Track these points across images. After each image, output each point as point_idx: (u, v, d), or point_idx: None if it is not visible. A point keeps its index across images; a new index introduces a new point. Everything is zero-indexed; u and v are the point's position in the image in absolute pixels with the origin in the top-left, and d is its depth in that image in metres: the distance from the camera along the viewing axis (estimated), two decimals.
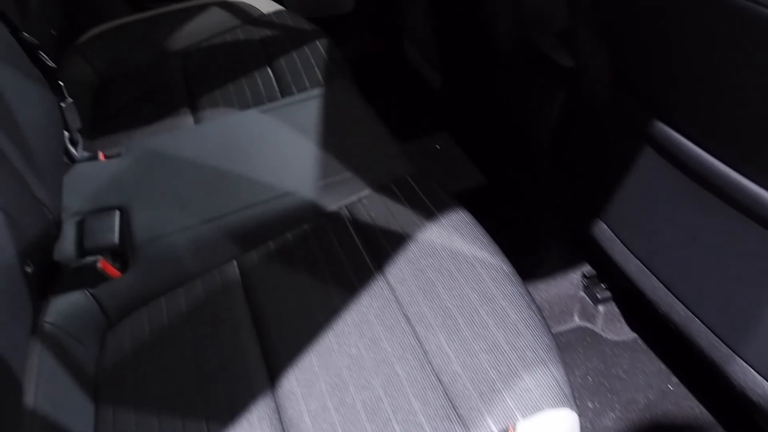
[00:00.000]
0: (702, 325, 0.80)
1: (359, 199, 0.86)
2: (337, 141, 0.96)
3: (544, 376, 0.61)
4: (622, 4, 0.76)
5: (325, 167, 0.91)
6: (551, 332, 0.67)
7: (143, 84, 1.25)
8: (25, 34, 0.94)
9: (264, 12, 1.38)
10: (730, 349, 0.77)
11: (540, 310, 0.69)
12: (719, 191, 0.73)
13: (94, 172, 0.98)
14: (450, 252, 0.75)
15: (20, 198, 0.73)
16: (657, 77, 0.76)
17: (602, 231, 0.97)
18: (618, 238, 0.94)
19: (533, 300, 0.70)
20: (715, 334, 0.79)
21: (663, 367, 1.04)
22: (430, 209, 0.82)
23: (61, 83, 0.99)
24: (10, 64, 0.85)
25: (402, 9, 1.51)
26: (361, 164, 0.91)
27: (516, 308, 0.68)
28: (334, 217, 0.85)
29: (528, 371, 0.61)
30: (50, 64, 0.98)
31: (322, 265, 0.79)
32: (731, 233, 0.73)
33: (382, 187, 0.87)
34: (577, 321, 1.14)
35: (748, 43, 0.58)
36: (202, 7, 1.39)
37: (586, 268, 1.17)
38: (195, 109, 1.14)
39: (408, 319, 0.69)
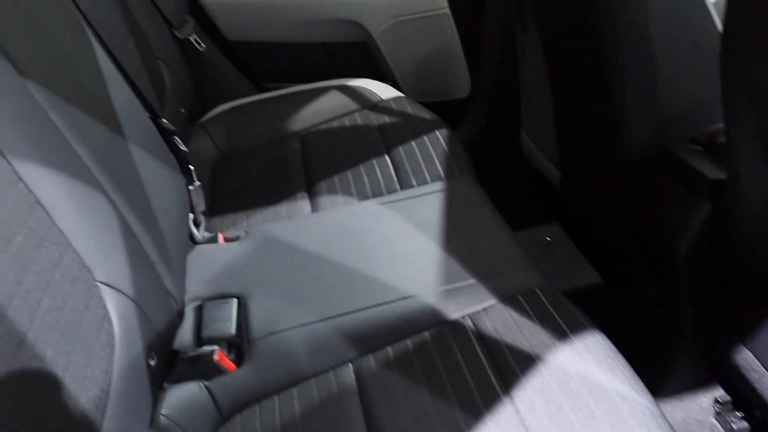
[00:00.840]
0: None
1: (484, 309, 0.82)
2: (459, 243, 0.93)
3: None
4: None
5: (448, 271, 0.87)
6: None
7: (262, 163, 1.27)
8: (163, 120, 0.97)
9: (383, 98, 1.39)
10: None
11: None
12: None
13: (213, 256, 0.99)
14: (586, 382, 0.69)
15: (151, 290, 0.73)
16: None
17: (746, 359, 0.88)
18: (765, 369, 0.85)
19: None
20: None
21: None
22: (561, 328, 0.76)
23: (192, 167, 1.02)
24: (149, 151, 0.87)
25: (521, 98, 1.49)
26: (486, 271, 0.87)
27: None
28: (457, 327, 0.81)
29: None
30: (183, 148, 1.01)
31: (444, 379, 0.74)
32: None
33: (508, 298, 0.83)
34: None
35: None
36: (322, 90, 1.42)
37: (719, 393, 1.06)
38: (313, 194, 1.14)
39: None
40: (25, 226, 0.56)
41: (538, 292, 0.83)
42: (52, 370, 0.53)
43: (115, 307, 0.64)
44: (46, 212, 0.59)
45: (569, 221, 1.53)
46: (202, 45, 1.49)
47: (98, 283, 0.64)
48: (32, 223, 0.57)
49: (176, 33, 1.39)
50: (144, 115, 0.93)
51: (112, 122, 0.77)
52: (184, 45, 1.45)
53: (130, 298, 0.67)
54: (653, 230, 1.04)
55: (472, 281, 0.86)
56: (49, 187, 0.60)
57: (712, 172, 0.90)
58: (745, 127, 0.76)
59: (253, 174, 1.25)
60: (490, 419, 0.68)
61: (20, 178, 0.58)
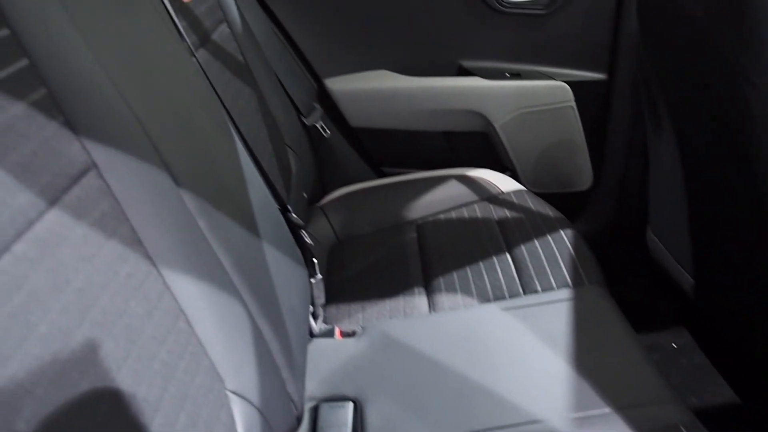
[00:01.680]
0: None
1: None
2: (592, 363, 0.87)
3: None
4: None
5: (579, 395, 0.81)
6: None
7: (379, 251, 1.27)
8: (293, 215, 0.99)
9: (503, 190, 1.37)
10: None
11: None
12: None
13: (330, 352, 0.98)
14: None
15: (276, 397, 0.72)
16: None
17: None
18: None
19: None
20: None
21: None
22: None
23: (315, 260, 1.02)
24: (278, 247, 0.88)
25: (648, 194, 1.42)
26: (623, 399, 0.80)
27: None
28: None
29: None
30: (309, 241, 1.02)
31: None
32: None
33: None
34: None
35: None
36: (441, 178, 1.42)
37: None
38: (430, 290, 1.12)
39: None
40: (170, 338, 0.57)
41: (683, 430, 0.75)
42: None
43: (241, 417, 0.64)
44: (188, 321, 0.60)
45: (701, 329, 1.42)
46: (327, 131, 1.53)
47: (228, 392, 0.63)
48: (175, 334, 0.58)
49: (304, 120, 1.44)
50: (275, 209, 0.94)
51: (249, 222, 0.79)
52: (311, 131, 1.49)
53: (256, 407, 0.66)
54: None
55: (607, 410, 0.79)
56: (192, 295, 0.61)
57: None
58: None
59: (370, 262, 1.25)
60: None
61: (168, 287, 0.59)
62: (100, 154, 0.56)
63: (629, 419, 0.77)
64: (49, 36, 0.55)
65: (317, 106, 1.54)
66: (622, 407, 0.79)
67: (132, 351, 0.52)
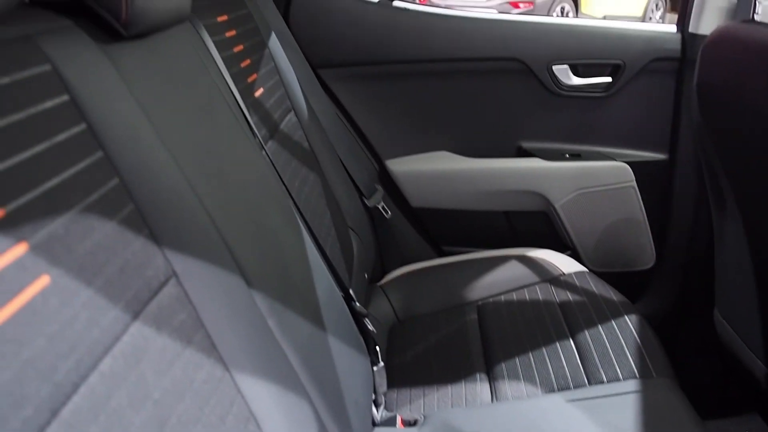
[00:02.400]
0: None
1: None
2: None
3: None
4: None
5: None
6: None
7: (439, 333, 1.27)
8: (356, 303, 1.01)
9: (564, 272, 1.36)
10: None
11: None
12: None
13: None
14: None
15: None
16: None
17: None
18: None
19: None
20: None
21: None
22: None
23: (378, 347, 1.03)
24: (342, 338, 0.90)
25: (715, 277, 1.38)
26: None
27: None
28: None
29: None
30: (371, 328, 1.03)
31: None
32: None
33: None
34: None
35: None
36: (501, 259, 1.42)
37: None
38: (493, 377, 1.11)
39: None
40: None
41: None
42: None
43: None
44: (258, 425, 0.62)
45: None
46: (388, 212, 1.56)
47: None
48: None
49: (366, 201, 1.48)
50: (339, 299, 0.97)
51: (315, 316, 0.81)
52: (372, 212, 1.53)
53: None
54: None
55: None
56: (262, 398, 0.63)
57: None
58: None
59: (431, 344, 1.25)
60: None
61: (239, 392, 0.61)
62: (180, 262, 0.59)
63: None
64: (139, 155, 0.60)
65: (379, 187, 1.58)
66: None
67: None
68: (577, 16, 7.14)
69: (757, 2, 1.14)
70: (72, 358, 0.44)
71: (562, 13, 6.98)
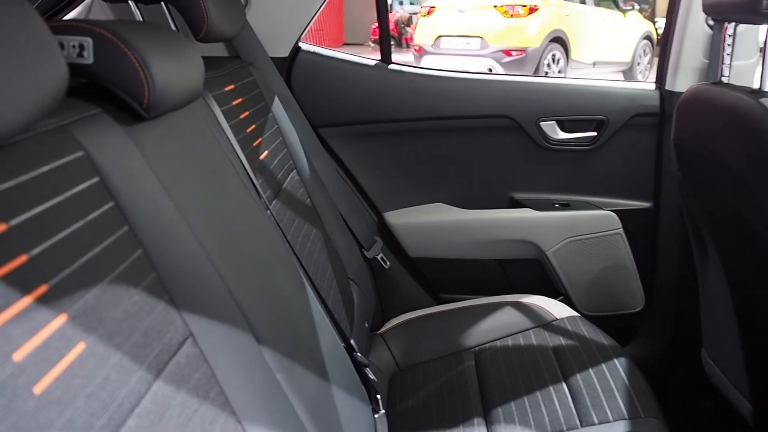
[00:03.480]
0: None
1: None
2: None
3: None
4: None
5: None
6: None
7: (438, 380, 1.32)
8: (358, 354, 1.07)
9: (557, 317, 1.41)
10: None
11: None
12: None
13: None
14: None
15: None
16: None
17: None
18: None
19: None
20: None
21: None
22: None
23: (379, 396, 1.09)
24: (345, 389, 0.95)
25: (701, 319, 1.44)
26: None
27: None
28: None
29: None
30: (372, 377, 1.09)
31: None
32: None
33: None
34: None
35: None
36: (497, 305, 1.48)
37: None
38: (490, 422, 1.16)
39: None
40: None
41: None
42: None
43: None
44: None
45: None
46: (387, 263, 1.63)
47: None
48: None
49: (366, 253, 1.55)
50: (342, 350, 1.03)
51: (320, 368, 0.87)
52: (372, 263, 1.60)
53: None
54: None
55: None
56: None
57: None
58: None
59: (430, 391, 1.29)
60: None
61: None
62: (197, 324, 0.66)
63: None
64: (160, 226, 0.67)
65: (378, 239, 1.65)
66: None
67: None
68: (567, 63, 7.31)
69: (724, 66, 1.23)
70: (105, 417, 0.50)
71: (553, 60, 7.15)
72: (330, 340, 0.96)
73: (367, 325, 1.43)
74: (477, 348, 1.39)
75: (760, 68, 1.11)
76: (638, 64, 8.03)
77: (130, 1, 1.17)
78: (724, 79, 1.24)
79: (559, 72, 7.19)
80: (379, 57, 1.67)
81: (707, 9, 1.16)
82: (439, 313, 1.53)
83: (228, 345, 0.68)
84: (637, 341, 1.71)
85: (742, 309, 1.23)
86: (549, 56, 7.14)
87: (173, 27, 1.20)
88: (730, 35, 1.23)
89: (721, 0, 1.09)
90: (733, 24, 1.22)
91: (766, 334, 1.16)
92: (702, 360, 1.47)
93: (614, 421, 1.08)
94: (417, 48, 7.70)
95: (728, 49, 1.23)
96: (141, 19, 1.18)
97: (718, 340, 1.39)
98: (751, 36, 1.43)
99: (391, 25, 10.11)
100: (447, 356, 1.40)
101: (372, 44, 11.56)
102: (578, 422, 1.10)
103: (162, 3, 1.14)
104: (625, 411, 1.09)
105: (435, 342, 1.44)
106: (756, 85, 1.09)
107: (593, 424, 1.09)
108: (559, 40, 7.19)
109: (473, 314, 1.47)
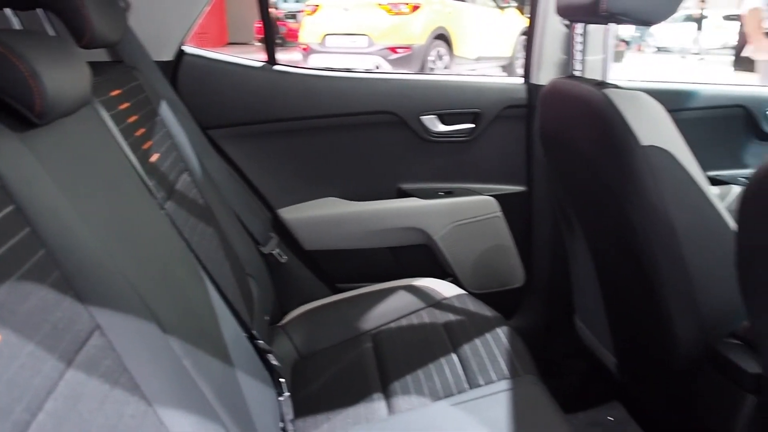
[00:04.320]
0: None
1: None
2: None
3: None
4: None
5: None
6: None
7: (339, 363, 1.39)
8: (260, 341, 1.12)
9: (446, 296, 1.53)
10: None
11: None
12: None
13: None
14: None
15: None
16: None
17: None
18: None
19: None
20: None
21: None
22: None
23: (282, 380, 1.15)
24: (249, 373, 1.01)
25: (572, 288, 1.60)
26: None
27: None
28: None
29: None
30: (275, 362, 1.15)
31: None
32: None
33: None
34: None
35: None
36: (390, 290, 1.57)
37: None
38: (388, 395, 1.25)
39: None
40: None
41: None
42: None
43: None
44: None
45: (631, 401, 1.58)
46: (284, 257, 1.68)
47: None
48: None
49: (262, 249, 1.60)
50: (244, 339, 1.08)
51: (224, 356, 0.92)
52: (269, 258, 1.65)
53: None
54: (708, 421, 1.10)
55: None
56: (183, 428, 0.73)
57: (751, 366, 0.98)
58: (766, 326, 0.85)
59: (331, 375, 1.37)
60: None
61: (162, 423, 0.71)
62: (103, 316, 0.70)
63: None
64: (60, 227, 0.70)
65: (273, 235, 1.70)
66: None
67: None
68: (452, 59, 7.59)
69: (575, 61, 1.38)
70: (24, 400, 0.54)
71: (438, 56, 7.40)
72: (232, 330, 1.02)
73: (267, 318, 1.48)
74: (374, 331, 1.47)
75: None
76: (518, 59, 8.45)
77: (5, 8, 1.15)
78: (577, 73, 1.40)
79: (444, 68, 7.45)
80: (264, 57, 1.72)
81: (559, 11, 1.30)
82: (336, 302, 1.60)
83: (134, 335, 0.72)
84: (519, 314, 1.86)
85: (604, 275, 1.39)
86: (434, 53, 7.38)
87: (51, 33, 1.20)
88: (580, 34, 1.38)
89: (569, 2, 1.23)
90: (582, 24, 1.38)
91: (624, 295, 1.32)
92: (575, 325, 1.64)
93: (497, 381, 1.20)
94: (304, 47, 7.73)
95: (579, 47, 1.38)
96: (19, 25, 1.17)
97: (586, 304, 1.56)
98: (600, 34, 1.61)
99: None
100: (346, 341, 1.47)
101: (257, 43, 11.43)
102: (467, 386, 1.21)
103: (40, 9, 1.14)
104: (506, 371, 1.22)
105: (334, 329, 1.51)
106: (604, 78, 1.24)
107: (480, 386, 1.20)
108: (442, 36, 7.44)
109: (369, 300, 1.56)
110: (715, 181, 1.69)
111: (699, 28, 13.46)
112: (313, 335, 1.51)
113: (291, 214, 1.76)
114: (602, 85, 1.16)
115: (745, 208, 0.80)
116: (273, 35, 1.74)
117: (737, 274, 0.88)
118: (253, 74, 1.68)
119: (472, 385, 1.22)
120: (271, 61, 1.71)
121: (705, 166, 1.15)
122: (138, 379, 0.71)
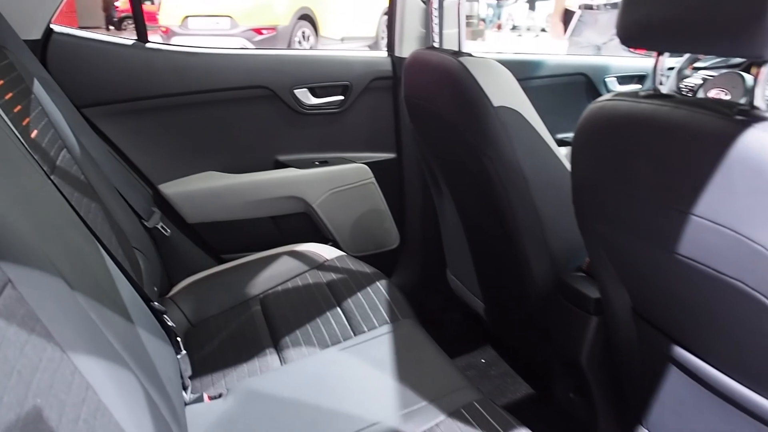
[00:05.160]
0: None
1: (436, 425, 1.03)
2: (409, 374, 1.14)
3: None
4: (628, 264, 0.98)
5: (403, 398, 1.08)
6: None
7: (230, 327, 1.47)
8: (155, 303, 1.18)
9: (327, 258, 1.64)
10: None
11: None
12: (734, 403, 0.89)
13: (202, 415, 1.16)
14: None
15: None
16: (666, 316, 0.96)
17: None
18: None
19: None
20: None
21: None
22: (498, 430, 0.98)
23: (179, 338, 1.21)
24: (149, 331, 1.07)
25: (443, 245, 1.77)
26: (433, 394, 1.08)
27: None
28: None
29: None
30: (170, 323, 1.21)
31: None
32: None
33: (453, 413, 1.04)
34: None
35: (722, 302, 0.78)
36: (274, 256, 1.66)
37: None
38: (279, 348, 1.34)
39: None
40: (84, 409, 0.75)
41: (476, 404, 1.04)
42: None
43: None
44: (96, 393, 0.78)
45: (499, 343, 1.78)
46: (168, 230, 1.72)
47: None
48: (87, 404, 0.76)
49: (146, 223, 1.62)
50: (140, 301, 1.13)
51: (124, 313, 0.97)
52: (153, 232, 1.67)
53: None
54: (561, 343, 1.30)
55: (423, 403, 1.07)
56: (96, 372, 0.79)
57: (593, 292, 1.18)
58: (601, 262, 1.05)
59: (224, 337, 1.44)
60: None
61: (77, 368, 0.77)
62: (13, 271, 0.74)
63: (439, 406, 1.05)
64: None
65: (156, 209, 1.73)
66: (433, 399, 1.07)
67: (62, 418, 0.70)
68: (317, 39, 7.64)
69: (434, 34, 1.53)
70: None
71: (303, 36, 7.43)
72: (128, 291, 1.07)
73: (156, 289, 1.52)
74: (261, 295, 1.55)
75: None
76: (382, 38, 8.64)
77: None
78: (435, 44, 1.55)
79: (310, 48, 7.49)
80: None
81: None
82: (222, 271, 1.66)
83: (44, 289, 0.77)
84: (396, 273, 2.02)
85: (470, 230, 1.56)
86: (299, 33, 7.39)
87: None
88: (436, 8, 1.53)
89: None
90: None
91: (487, 245, 1.49)
92: (448, 279, 1.81)
93: (379, 326, 1.33)
94: (164, 29, 7.47)
95: (436, 20, 1.53)
96: None
97: (456, 257, 1.73)
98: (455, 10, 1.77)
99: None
100: (234, 307, 1.54)
101: (110, 27, 10.89)
102: (352, 333, 1.34)
103: None
104: (387, 317, 1.35)
105: (222, 297, 1.57)
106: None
107: (363, 332, 1.33)
108: (307, 17, 7.47)
109: (254, 267, 1.63)
110: (562, 143, 1.92)
111: (532, 8, 14.55)
112: (201, 304, 1.56)
113: (172, 188, 1.79)
114: (458, 54, 1.31)
115: (574, 150, 0.98)
116: (141, 13, 1.75)
117: (576, 214, 1.06)
118: (125, 52, 1.69)
119: (357, 332, 1.34)
120: (142, 38, 1.72)
121: (554, 130, 1.34)
122: (51, 329, 0.76)
